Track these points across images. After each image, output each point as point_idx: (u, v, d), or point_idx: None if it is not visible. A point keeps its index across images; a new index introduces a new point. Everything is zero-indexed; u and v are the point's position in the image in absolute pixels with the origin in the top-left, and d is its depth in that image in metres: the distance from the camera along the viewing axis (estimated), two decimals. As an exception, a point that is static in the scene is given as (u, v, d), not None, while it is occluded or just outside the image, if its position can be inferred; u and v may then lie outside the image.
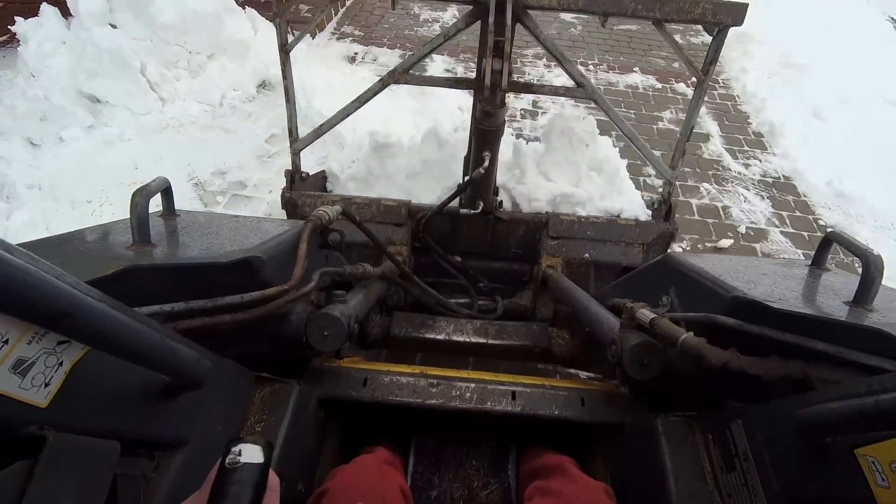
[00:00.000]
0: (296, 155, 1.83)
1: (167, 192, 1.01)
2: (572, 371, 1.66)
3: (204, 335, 0.79)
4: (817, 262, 1.01)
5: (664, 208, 1.77)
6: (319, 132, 1.79)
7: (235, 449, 0.56)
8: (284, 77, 1.71)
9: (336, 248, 1.12)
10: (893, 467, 0.56)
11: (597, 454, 1.17)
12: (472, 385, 1.10)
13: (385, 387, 1.09)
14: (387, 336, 1.60)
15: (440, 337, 1.59)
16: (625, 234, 1.72)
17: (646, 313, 0.96)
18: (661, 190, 1.83)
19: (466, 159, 1.71)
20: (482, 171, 1.43)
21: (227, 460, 0.55)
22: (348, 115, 1.73)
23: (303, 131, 1.86)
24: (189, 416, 0.74)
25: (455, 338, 1.59)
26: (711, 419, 0.94)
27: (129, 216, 0.82)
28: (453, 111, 3.37)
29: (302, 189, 1.87)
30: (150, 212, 1.06)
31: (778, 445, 0.74)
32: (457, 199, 1.71)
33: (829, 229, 0.96)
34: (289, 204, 1.83)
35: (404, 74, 1.59)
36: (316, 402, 1.06)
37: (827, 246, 0.98)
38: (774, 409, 0.78)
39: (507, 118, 1.82)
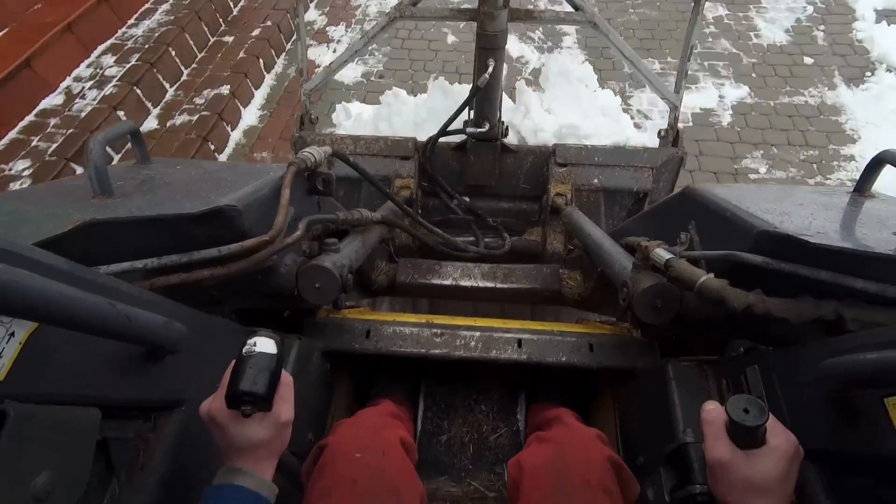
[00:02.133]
0: (307, 95, 1.77)
1: (136, 137, 0.92)
2: (584, 314, 1.62)
3: (188, 292, 0.74)
4: (861, 189, 0.89)
5: (671, 134, 1.69)
6: (330, 72, 1.74)
7: (251, 341, 0.61)
8: (297, 15, 1.68)
9: (326, 192, 1.04)
10: None
11: (607, 399, 1.15)
12: (478, 333, 1.06)
13: (388, 338, 1.07)
14: (392, 283, 1.56)
15: (447, 282, 1.55)
16: (633, 159, 1.68)
17: (661, 253, 0.88)
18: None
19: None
20: (487, 76, 1.38)
21: (243, 350, 0.60)
22: (357, 53, 1.69)
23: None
24: (182, 376, 0.71)
25: (463, 283, 1.54)
26: (726, 364, 0.88)
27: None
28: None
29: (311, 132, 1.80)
30: (126, 162, 1.00)
31: (798, 394, 0.68)
32: (463, 125, 1.64)
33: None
34: (297, 144, 1.77)
35: (410, 7, 1.56)
36: (320, 354, 1.05)
37: (876, 168, 0.86)
38: (796, 356, 0.71)
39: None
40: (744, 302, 0.72)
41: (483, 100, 1.53)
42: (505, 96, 1.69)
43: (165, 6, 3.39)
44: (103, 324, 0.49)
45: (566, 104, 1.85)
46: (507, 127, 1.72)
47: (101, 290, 0.52)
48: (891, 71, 3.20)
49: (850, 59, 3.34)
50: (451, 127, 1.62)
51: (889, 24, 3.44)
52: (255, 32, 3.47)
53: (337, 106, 2.84)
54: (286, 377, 0.65)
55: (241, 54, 3.28)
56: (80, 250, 0.57)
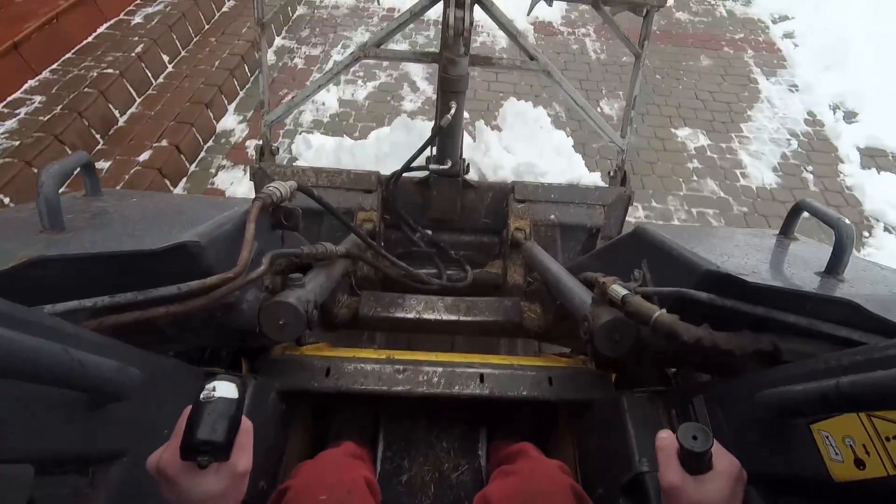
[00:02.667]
0: (267, 127, 1.76)
1: (88, 169, 0.88)
2: (541, 347, 1.65)
3: (140, 332, 0.70)
4: (786, 232, 1.00)
5: (620, 174, 1.83)
6: (291, 105, 1.74)
7: (210, 385, 0.58)
8: (258, 49, 1.70)
9: (291, 227, 1.03)
10: (846, 441, 0.56)
11: (566, 431, 1.17)
12: (440, 369, 1.07)
13: (349, 375, 1.04)
14: (355, 316, 1.54)
15: (411, 315, 1.54)
16: (586, 197, 1.79)
17: (618, 289, 0.93)
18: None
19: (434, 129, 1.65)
20: (449, 117, 1.44)
21: (201, 395, 0.56)
22: (320, 88, 1.71)
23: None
24: (125, 423, 0.66)
25: (426, 315, 1.55)
26: (675, 394, 0.93)
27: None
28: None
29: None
30: (74, 193, 0.95)
31: (738, 421, 0.74)
32: (426, 162, 1.70)
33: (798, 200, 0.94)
34: (257, 175, 1.75)
35: (374, 48, 1.60)
36: (276, 394, 1.00)
37: (796, 214, 0.97)
38: (736, 386, 0.77)
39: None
40: (693, 336, 0.77)
41: (445, 138, 1.59)
42: (466, 134, 1.76)
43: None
44: (55, 372, 0.46)
45: (523, 143, 1.95)
46: (468, 164, 1.79)
47: (46, 333, 0.48)
48: (890, 232, 2.98)
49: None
50: (414, 163, 1.67)
51: (879, 172, 3.30)
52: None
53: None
54: (246, 423, 0.60)
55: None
56: (23, 289, 0.54)
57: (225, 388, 0.57)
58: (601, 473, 0.96)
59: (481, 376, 1.06)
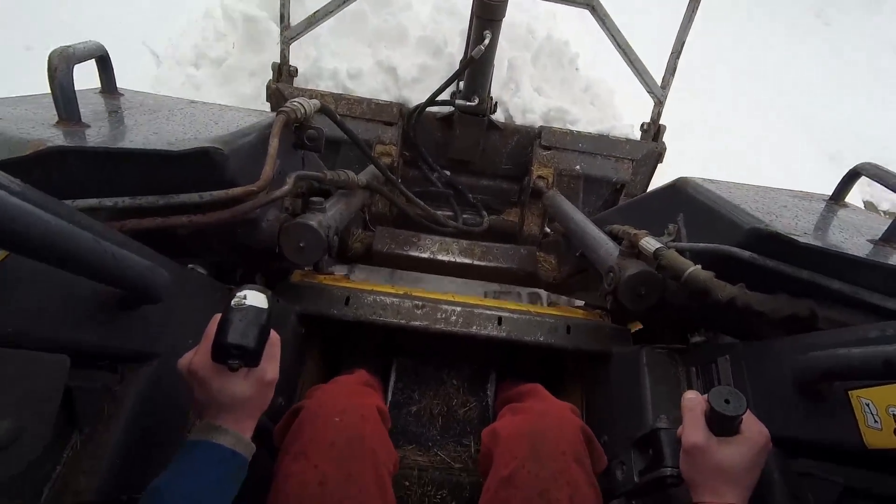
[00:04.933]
0: (286, 45, 1.63)
1: (104, 63, 0.82)
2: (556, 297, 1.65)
3: (159, 240, 0.68)
4: (837, 197, 0.95)
5: (654, 128, 1.73)
6: (313, 20, 1.61)
7: (241, 293, 0.58)
8: None
9: (313, 147, 0.98)
10: (890, 411, 0.55)
11: (575, 381, 1.18)
12: (458, 309, 1.06)
13: (368, 306, 1.04)
14: (368, 251, 1.52)
15: (424, 255, 1.52)
16: (615, 149, 1.71)
17: (650, 242, 0.89)
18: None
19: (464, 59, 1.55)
20: (482, 48, 1.33)
21: (233, 302, 0.57)
22: (345, 4, 1.57)
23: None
24: (154, 329, 0.67)
25: (440, 257, 1.52)
26: (697, 353, 0.92)
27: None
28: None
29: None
30: (88, 88, 0.89)
31: (766, 384, 0.73)
32: (451, 97, 1.61)
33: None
34: (274, 96, 1.65)
35: None
36: (296, 317, 1.00)
37: (852, 179, 0.91)
38: (767, 349, 0.75)
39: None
40: (728, 294, 0.75)
41: (475, 72, 1.49)
42: (496, 70, 1.65)
43: None
44: (87, 261, 0.44)
45: (556, 87, 1.84)
46: (496, 103, 1.69)
47: (78, 226, 0.46)
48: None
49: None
50: (440, 97, 1.58)
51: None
52: None
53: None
54: (274, 336, 0.62)
55: None
56: (40, 180, 0.51)
57: (256, 298, 0.57)
58: (609, 423, 0.97)
59: (499, 319, 1.05)
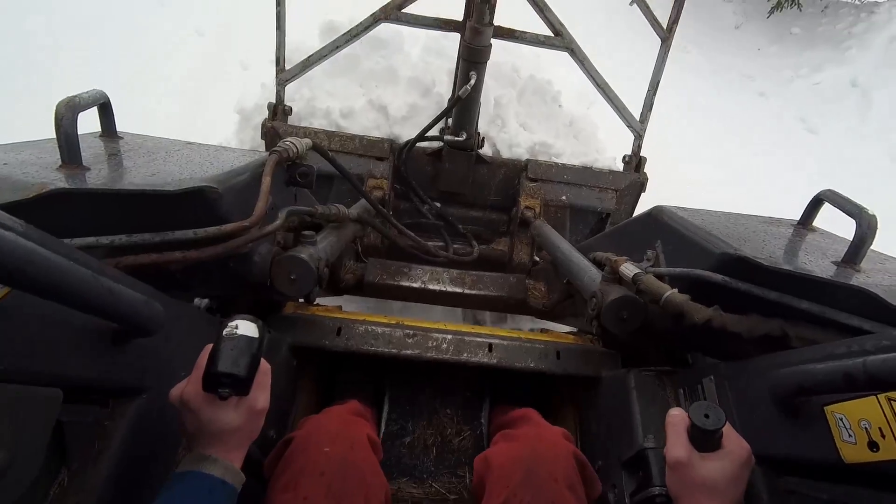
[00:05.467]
0: (281, 86, 1.72)
1: (105, 109, 0.87)
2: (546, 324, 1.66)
3: (155, 276, 0.71)
4: (804, 222, 0.99)
5: (634, 160, 1.80)
6: (308, 64, 1.70)
7: (232, 323, 0.60)
8: (277, 4, 1.64)
9: (305, 184, 1.02)
10: (862, 424, 0.57)
11: (567, 406, 1.19)
12: (449, 336, 1.08)
13: (360, 336, 1.06)
14: (360, 282, 1.55)
15: (416, 285, 1.55)
16: (599, 180, 1.78)
17: (629, 268, 0.93)
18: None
19: (452, 97, 1.63)
20: (468, 88, 1.41)
21: (224, 332, 0.59)
22: (338, 49, 1.66)
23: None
24: (147, 363, 0.68)
25: (431, 286, 1.55)
26: (684, 374, 0.94)
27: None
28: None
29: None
30: (89, 133, 0.94)
31: (748, 403, 0.75)
32: (440, 133, 1.67)
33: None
34: (269, 134, 1.72)
35: (395, 11, 1.56)
36: (288, 349, 1.02)
37: (817, 205, 0.96)
38: (747, 368, 0.77)
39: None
40: (704, 316, 0.78)
41: (462, 110, 1.56)
42: (483, 107, 1.73)
43: None
44: (85, 296, 0.46)
45: (541, 122, 1.92)
46: (483, 138, 1.76)
47: (76, 263, 0.49)
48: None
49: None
50: (429, 133, 1.64)
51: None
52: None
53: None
54: (264, 365, 0.63)
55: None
56: (43, 220, 0.54)
57: (247, 327, 0.59)
58: (602, 447, 0.97)
59: (490, 346, 1.07)
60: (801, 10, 4.89)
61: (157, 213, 0.71)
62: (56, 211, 0.63)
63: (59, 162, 0.71)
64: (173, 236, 0.72)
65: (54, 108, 0.69)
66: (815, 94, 4.30)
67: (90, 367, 0.57)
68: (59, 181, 0.64)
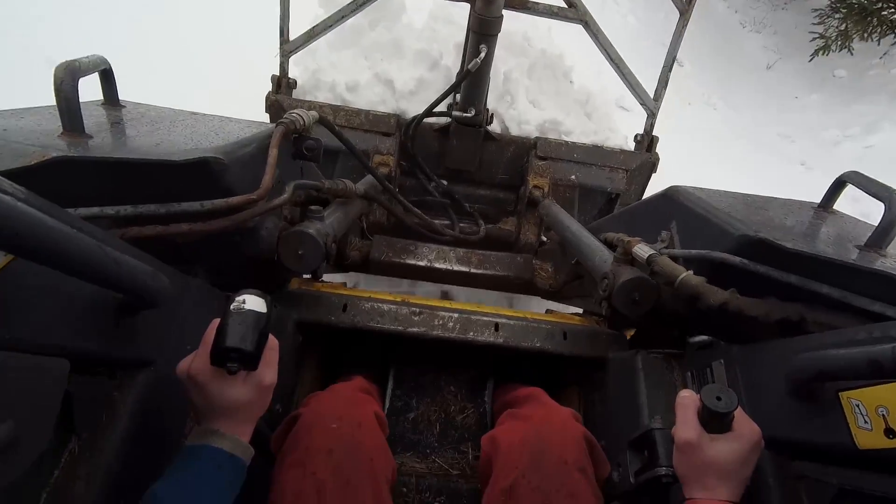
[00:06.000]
0: (285, 58, 1.67)
1: (107, 76, 0.84)
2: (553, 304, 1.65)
3: (160, 248, 0.69)
4: (825, 205, 0.97)
5: (647, 139, 1.76)
6: (312, 34, 1.64)
7: (240, 297, 0.59)
8: None
9: (312, 158, 1.00)
10: (879, 411, 0.56)
11: (572, 387, 1.19)
12: (456, 315, 1.07)
13: (366, 313, 1.05)
14: (366, 259, 1.53)
15: (422, 263, 1.54)
16: (609, 159, 1.74)
17: (643, 248, 0.91)
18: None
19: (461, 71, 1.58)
20: (478, 61, 1.37)
21: (231, 306, 0.58)
22: (344, 19, 1.61)
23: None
24: (154, 335, 0.67)
25: (437, 265, 1.54)
26: (692, 357, 0.93)
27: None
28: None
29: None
30: (91, 100, 0.91)
31: (759, 386, 0.74)
32: (448, 108, 1.63)
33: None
34: (273, 107, 1.68)
35: None
36: (294, 324, 1.01)
37: (839, 188, 0.93)
38: (759, 351, 0.76)
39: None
40: (720, 299, 0.76)
41: (471, 85, 1.52)
42: (492, 81, 1.68)
43: None
44: (91, 265, 0.45)
45: (551, 99, 1.86)
46: (492, 115, 1.72)
47: (81, 232, 0.47)
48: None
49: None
50: (436, 109, 1.60)
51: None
52: None
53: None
54: (272, 341, 0.62)
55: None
56: (44, 189, 0.52)
57: (254, 302, 0.58)
58: (607, 428, 0.97)
59: (496, 325, 1.06)
60: (851, 55, 3.88)
61: (161, 184, 0.69)
62: (57, 179, 0.61)
63: (61, 129, 0.68)
64: (179, 208, 0.70)
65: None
66: (869, 161, 3.36)
67: (96, 339, 0.57)
68: (60, 148, 0.62)
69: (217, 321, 0.59)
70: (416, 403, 1.17)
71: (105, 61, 0.80)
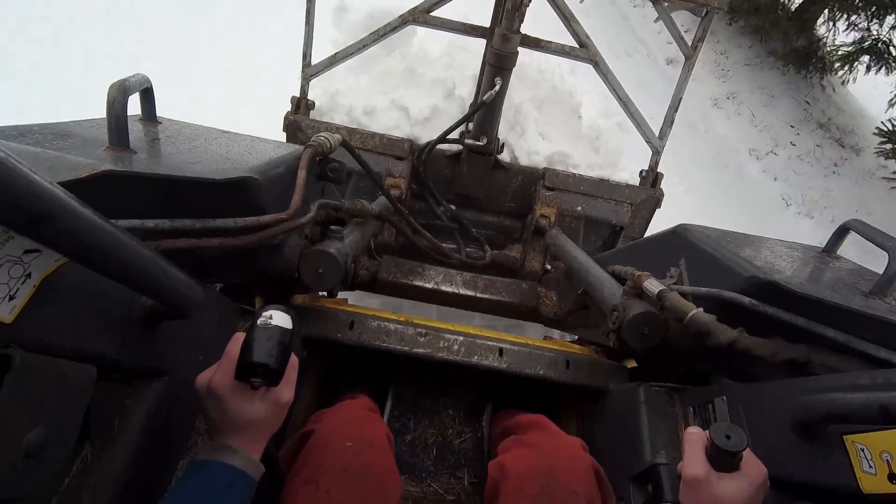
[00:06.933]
0: (306, 81, 1.74)
1: (147, 94, 0.88)
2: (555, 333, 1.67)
3: (187, 260, 0.71)
4: (829, 250, 1.01)
5: (651, 175, 1.81)
6: (334, 60, 1.72)
7: (267, 313, 0.60)
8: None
9: (335, 179, 1.03)
10: (883, 456, 0.57)
11: (571, 416, 1.19)
12: (461, 338, 1.08)
13: (372, 331, 1.06)
14: (374, 279, 1.55)
15: (429, 285, 1.56)
16: (615, 193, 1.79)
17: (654, 283, 0.94)
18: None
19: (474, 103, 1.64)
20: (493, 94, 1.42)
21: (259, 321, 0.59)
22: (365, 48, 1.69)
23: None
24: (170, 344, 0.68)
25: (443, 288, 1.56)
26: (695, 393, 0.95)
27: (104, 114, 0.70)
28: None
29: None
30: (131, 116, 0.94)
31: (761, 426, 0.75)
32: (461, 136, 1.69)
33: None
34: (290, 126, 1.73)
35: (423, 14, 1.58)
36: (300, 340, 1.02)
37: (843, 234, 0.97)
38: (763, 390, 0.78)
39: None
40: (729, 337, 0.79)
41: (485, 115, 1.57)
42: (504, 112, 1.74)
43: None
44: (142, 273, 0.47)
45: (560, 132, 1.93)
46: (503, 144, 1.77)
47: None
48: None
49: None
50: (449, 136, 1.65)
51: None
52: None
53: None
54: (293, 358, 0.63)
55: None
56: (91, 201, 0.55)
57: (281, 318, 0.59)
58: (607, 459, 0.98)
59: (500, 350, 1.08)
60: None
61: (199, 199, 0.72)
62: (104, 192, 0.63)
63: (107, 143, 0.71)
64: (214, 224, 0.72)
65: (106, 90, 0.69)
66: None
67: (122, 346, 0.58)
68: (109, 162, 0.64)
69: (239, 335, 0.59)
70: (414, 425, 1.17)
71: (147, 80, 0.83)
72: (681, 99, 1.74)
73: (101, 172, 0.60)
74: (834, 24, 3.94)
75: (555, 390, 1.22)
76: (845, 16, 3.80)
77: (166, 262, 0.52)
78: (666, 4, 1.64)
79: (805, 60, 4.14)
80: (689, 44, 1.68)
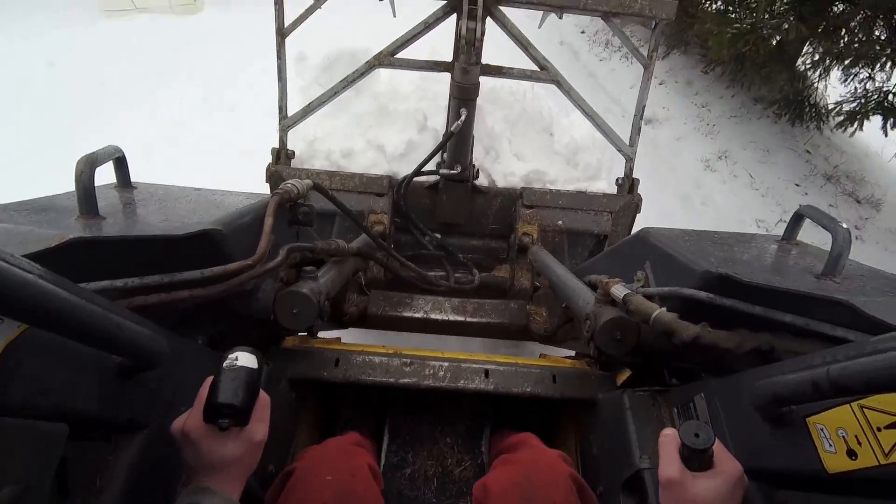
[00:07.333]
0: (284, 132, 1.83)
1: (120, 162, 0.94)
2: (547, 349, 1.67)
3: (164, 314, 0.75)
4: (788, 237, 1.02)
5: (627, 182, 1.85)
6: (308, 110, 1.80)
7: (232, 355, 0.63)
8: (279, 57, 1.76)
9: (305, 223, 1.08)
10: (839, 433, 0.58)
11: (569, 429, 1.19)
12: (446, 364, 1.10)
13: (358, 366, 1.08)
14: (364, 315, 1.58)
15: (418, 315, 1.58)
16: (593, 204, 1.82)
17: (619, 289, 0.96)
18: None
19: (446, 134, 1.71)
20: (460, 123, 1.48)
21: (224, 364, 0.62)
22: (336, 94, 1.77)
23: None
24: (149, 397, 0.71)
25: (433, 316, 1.58)
26: (677, 393, 0.95)
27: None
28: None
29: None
30: (105, 184, 1.01)
31: (738, 418, 0.75)
32: (436, 167, 1.75)
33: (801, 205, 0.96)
34: (273, 177, 1.81)
35: (388, 57, 1.66)
36: (287, 382, 1.04)
37: (799, 220, 0.99)
38: (734, 382, 0.79)
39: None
40: (691, 333, 0.80)
41: (456, 144, 1.63)
42: (478, 138, 1.80)
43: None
44: (97, 331, 0.50)
45: (535, 151, 1.98)
46: (478, 170, 1.83)
47: (90, 303, 0.53)
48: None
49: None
50: (425, 168, 1.71)
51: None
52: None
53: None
54: (263, 397, 0.65)
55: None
56: (62, 268, 0.59)
57: (246, 359, 0.62)
58: (602, 470, 0.97)
59: (486, 371, 1.09)
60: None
61: (166, 255, 0.76)
62: (75, 258, 0.67)
63: (78, 213, 0.77)
64: (181, 277, 0.76)
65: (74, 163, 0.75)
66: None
67: (96, 402, 0.60)
68: (76, 230, 0.69)
69: (210, 379, 0.62)
70: (413, 458, 1.17)
71: (119, 150, 0.90)
72: (644, 106, 1.80)
73: (69, 241, 0.65)
74: (826, 73, 3.45)
75: (550, 405, 1.22)
76: (839, 64, 3.26)
77: (122, 318, 0.55)
78: (618, 21, 1.72)
79: (799, 110, 3.65)
80: (646, 54, 1.75)
